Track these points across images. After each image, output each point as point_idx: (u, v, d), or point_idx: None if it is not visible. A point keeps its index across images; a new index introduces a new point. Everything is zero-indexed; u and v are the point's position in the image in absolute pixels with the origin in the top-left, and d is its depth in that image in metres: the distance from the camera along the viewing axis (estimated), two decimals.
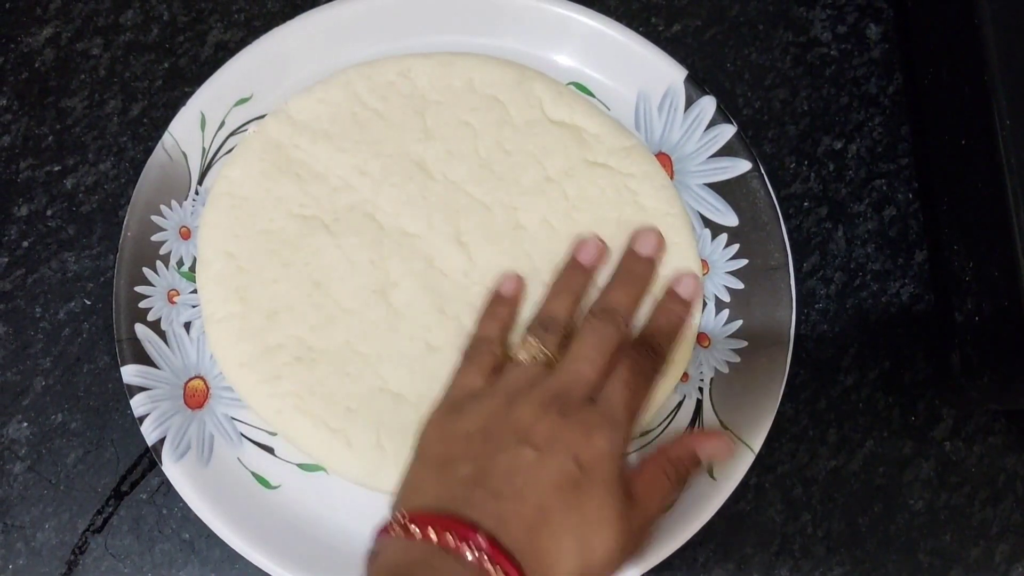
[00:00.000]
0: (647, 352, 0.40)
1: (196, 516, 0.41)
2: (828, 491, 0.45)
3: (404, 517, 0.33)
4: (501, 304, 0.43)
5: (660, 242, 0.43)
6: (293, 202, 0.44)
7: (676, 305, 0.42)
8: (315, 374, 0.42)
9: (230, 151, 0.45)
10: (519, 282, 0.43)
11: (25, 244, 0.47)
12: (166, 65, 0.49)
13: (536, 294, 0.43)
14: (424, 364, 0.42)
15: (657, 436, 0.43)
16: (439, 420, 0.38)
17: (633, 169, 0.45)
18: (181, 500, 0.41)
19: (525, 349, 0.39)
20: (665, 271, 0.43)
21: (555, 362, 0.39)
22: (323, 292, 0.43)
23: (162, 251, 0.44)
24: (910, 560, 0.44)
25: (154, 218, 0.44)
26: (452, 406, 0.38)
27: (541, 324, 0.41)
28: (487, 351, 0.40)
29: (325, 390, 0.42)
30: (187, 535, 0.44)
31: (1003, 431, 0.46)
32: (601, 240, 0.43)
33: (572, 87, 0.46)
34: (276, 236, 0.44)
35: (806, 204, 0.48)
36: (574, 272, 0.43)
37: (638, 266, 0.43)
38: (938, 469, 0.45)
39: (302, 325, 0.43)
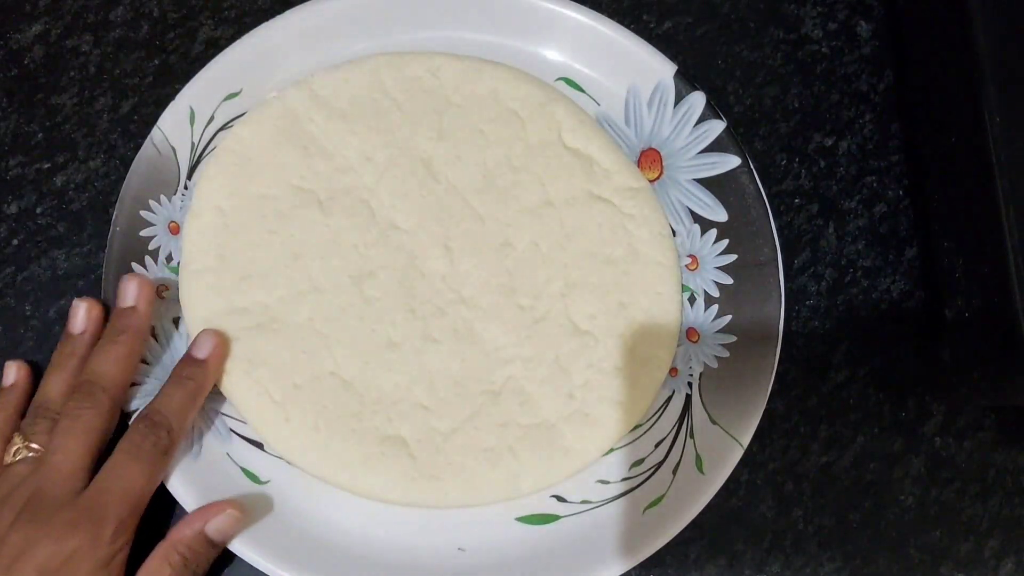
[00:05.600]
0: (148, 428, 0.38)
1: (186, 513, 0.41)
2: (819, 487, 0.45)
3: None
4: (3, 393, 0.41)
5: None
6: (294, 173, 0.44)
7: (190, 369, 0.40)
8: (271, 344, 0.42)
9: (217, 149, 0.45)
10: (23, 369, 0.42)
11: (15, 242, 0.47)
12: (156, 62, 0.49)
13: (511, 319, 0.43)
14: (380, 358, 0.42)
15: (646, 431, 0.43)
16: None
17: (635, 211, 0.45)
18: (172, 497, 0.41)
19: (10, 447, 0.38)
20: (645, 319, 0.43)
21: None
22: (301, 266, 0.43)
23: (151, 246, 0.44)
24: (901, 555, 0.44)
25: (143, 213, 0.44)
26: None
27: (33, 412, 0.39)
28: None
29: (277, 361, 0.42)
30: None
31: (993, 427, 0.46)
32: (97, 301, 0.42)
33: (594, 119, 0.46)
34: (269, 202, 0.44)
35: (797, 201, 0.48)
36: (67, 343, 0.41)
37: (127, 321, 0.40)
38: (928, 465, 0.45)
39: (271, 294, 0.43)
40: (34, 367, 0.44)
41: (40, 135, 0.48)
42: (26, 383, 0.42)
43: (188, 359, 0.41)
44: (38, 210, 0.47)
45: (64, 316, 0.45)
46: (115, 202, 0.44)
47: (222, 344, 0.41)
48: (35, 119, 0.48)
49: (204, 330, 0.42)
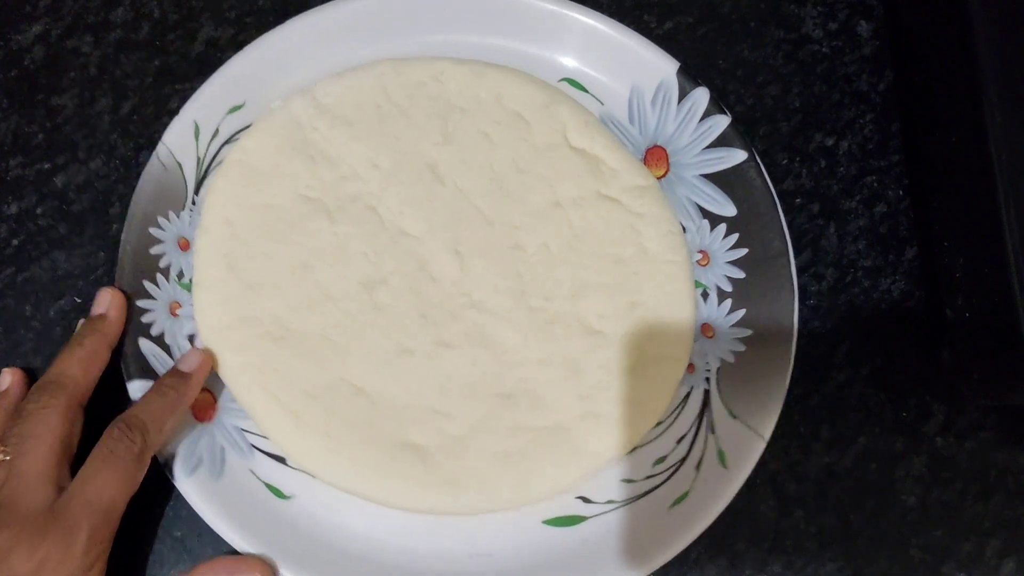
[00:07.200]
0: (121, 431, 0.37)
1: (186, 513, 0.41)
2: (821, 487, 0.45)
3: None
4: None
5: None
6: (300, 182, 0.44)
7: (172, 380, 0.40)
8: (283, 353, 0.42)
9: (224, 161, 0.45)
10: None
11: (15, 242, 0.46)
12: (157, 63, 0.49)
13: (522, 321, 0.43)
14: (393, 364, 0.42)
15: (667, 428, 0.43)
16: None
17: (643, 210, 0.45)
18: (171, 499, 0.41)
19: None
20: (657, 317, 0.43)
21: None
22: (310, 275, 0.43)
23: (161, 264, 0.43)
24: (902, 555, 0.44)
25: (152, 231, 0.43)
26: None
27: (12, 417, 0.38)
28: None
29: (289, 370, 0.42)
30: (178, 533, 0.43)
31: (994, 426, 0.46)
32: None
33: (598, 119, 0.46)
34: (277, 212, 0.44)
35: (798, 200, 0.48)
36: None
37: (95, 325, 0.41)
38: (930, 465, 0.45)
39: (282, 303, 0.43)
40: (34, 369, 0.44)
41: (40, 136, 0.48)
42: (19, 389, 0.42)
43: (172, 371, 0.41)
44: (38, 211, 0.47)
45: (64, 317, 0.45)
46: (116, 203, 0.44)
47: (208, 360, 0.41)
48: (35, 120, 0.48)
49: (192, 347, 0.42)
